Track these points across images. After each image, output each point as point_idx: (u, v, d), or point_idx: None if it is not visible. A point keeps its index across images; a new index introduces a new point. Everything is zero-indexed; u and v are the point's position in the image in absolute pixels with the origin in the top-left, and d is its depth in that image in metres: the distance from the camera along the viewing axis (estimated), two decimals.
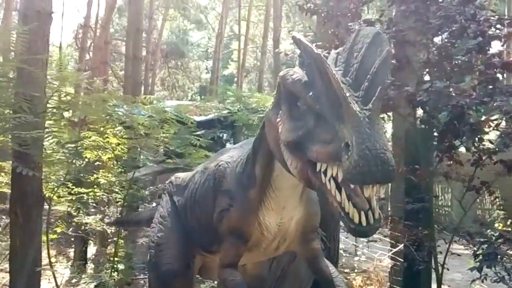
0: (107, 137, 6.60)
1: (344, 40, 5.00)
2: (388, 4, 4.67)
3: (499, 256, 3.86)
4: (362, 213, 1.85)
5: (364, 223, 1.84)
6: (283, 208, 2.78)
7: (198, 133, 8.30)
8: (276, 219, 2.81)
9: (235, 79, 47.92)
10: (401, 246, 7.32)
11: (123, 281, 7.35)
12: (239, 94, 11.04)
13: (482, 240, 3.98)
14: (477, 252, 4.03)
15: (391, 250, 7.15)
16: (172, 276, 3.37)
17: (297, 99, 2.05)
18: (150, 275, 3.58)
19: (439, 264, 4.66)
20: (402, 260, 6.60)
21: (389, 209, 7.57)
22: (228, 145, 11.43)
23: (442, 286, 4.78)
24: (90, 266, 8.80)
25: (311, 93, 1.94)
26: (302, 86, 1.99)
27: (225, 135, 12.02)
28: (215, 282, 5.83)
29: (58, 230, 7.97)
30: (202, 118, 10.24)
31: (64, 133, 6.02)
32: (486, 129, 4.43)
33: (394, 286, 7.15)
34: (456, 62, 4.49)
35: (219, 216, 2.90)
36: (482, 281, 4.13)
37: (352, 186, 1.82)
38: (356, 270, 8.21)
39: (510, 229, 4.18)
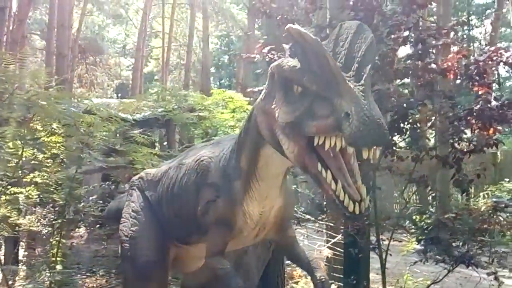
0: (49, 135, 6.46)
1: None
2: (339, 11, 5.03)
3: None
4: (356, 204, 2.17)
5: (357, 212, 2.18)
6: (265, 198, 3.03)
7: (135, 131, 8.27)
8: (259, 208, 3.05)
9: (156, 77, 47.35)
10: (339, 236, 7.81)
11: (62, 282, 7.20)
12: (175, 93, 11.04)
13: (424, 226, 4.43)
14: (419, 238, 4.49)
15: (328, 241, 7.56)
16: (149, 267, 3.52)
17: (292, 84, 2.31)
18: (126, 267, 3.68)
19: (383, 250, 5.09)
20: (341, 250, 7.07)
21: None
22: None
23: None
24: (21, 269, 8.49)
25: (308, 77, 2.21)
26: (298, 72, 2.26)
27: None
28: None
29: None
30: (138, 116, 10.15)
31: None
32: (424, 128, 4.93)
33: (334, 274, 7.61)
34: (398, 67, 4.93)
35: (205, 208, 3.09)
36: (424, 263, 4.60)
37: (351, 151, 2.16)
38: None
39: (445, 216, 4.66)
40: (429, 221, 4.88)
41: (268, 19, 5.65)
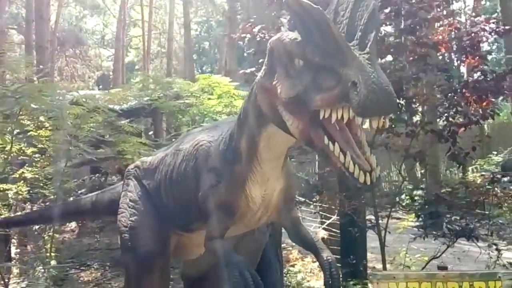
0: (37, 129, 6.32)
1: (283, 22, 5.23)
2: None
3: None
4: (367, 174, 2.09)
5: (368, 182, 2.09)
6: (267, 180, 2.95)
7: (122, 122, 8.15)
8: (261, 191, 2.98)
9: (136, 66, 46.85)
10: (334, 217, 7.82)
11: (57, 277, 7.13)
12: (161, 81, 10.88)
13: (423, 202, 4.43)
14: (418, 213, 4.48)
15: (323, 222, 7.57)
16: (150, 257, 3.47)
17: (293, 58, 2.23)
18: (127, 257, 3.60)
19: (381, 228, 5.09)
20: (336, 231, 7.07)
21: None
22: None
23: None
24: (15, 265, 8.39)
25: (309, 48, 2.12)
26: (299, 44, 2.17)
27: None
28: None
29: None
30: (124, 106, 10.00)
31: None
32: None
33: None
34: (390, 42, 4.88)
35: (207, 193, 3.01)
36: (424, 239, 4.61)
37: (359, 121, 2.05)
38: (294, 245, 8.56)
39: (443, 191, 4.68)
40: (425, 196, 4.87)
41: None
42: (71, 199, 8.20)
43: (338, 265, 6.98)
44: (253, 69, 5.25)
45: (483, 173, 7.90)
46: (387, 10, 4.59)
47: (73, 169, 8.45)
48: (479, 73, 4.42)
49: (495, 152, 12.29)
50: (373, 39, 2.10)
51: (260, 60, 5.48)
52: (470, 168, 12.59)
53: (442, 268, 3.34)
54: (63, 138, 6.72)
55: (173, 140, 10.75)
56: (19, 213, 6.77)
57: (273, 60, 2.38)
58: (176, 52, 31.09)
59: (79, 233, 11.37)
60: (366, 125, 2.07)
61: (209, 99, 10.52)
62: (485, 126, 12.93)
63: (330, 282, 2.95)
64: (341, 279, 3.11)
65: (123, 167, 10.43)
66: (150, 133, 12.27)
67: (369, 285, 6.35)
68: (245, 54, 35.80)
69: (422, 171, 12.49)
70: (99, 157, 7.77)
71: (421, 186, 6.17)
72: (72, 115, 6.56)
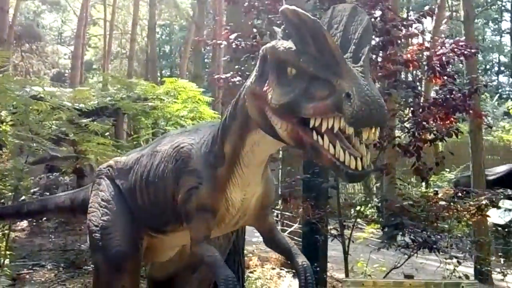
0: None
1: (261, 31, 5.32)
2: (303, 0, 5.06)
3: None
4: (358, 159, 2.11)
5: (360, 168, 2.11)
6: (248, 185, 3.00)
7: (84, 120, 8.00)
8: (241, 195, 3.02)
9: (94, 66, 45.96)
10: (295, 225, 7.94)
11: (9, 276, 6.90)
12: (126, 82, 10.74)
13: (389, 213, 4.58)
14: (385, 223, 4.63)
15: (284, 230, 7.67)
16: (122, 257, 3.43)
17: (286, 66, 2.27)
18: (98, 258, 3.55)
19: (345, 237, 5.21)
20: (298, 239, 7.18)
21: (279, 190, 8.10)
22: None
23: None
24: None
25: (303, 58, 2.16)
26: (294, 53, 2.21)
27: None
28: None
29: None
30: (84, 105, 9.78)
31: None
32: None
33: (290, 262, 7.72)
34: None
35: (187, 195, 3.01)
36: (387, 249, 4.76)
37: (351, 131, 2.08)
38: (254, 251, 8.62)
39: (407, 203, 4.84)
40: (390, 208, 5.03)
41: (232, 6, 5.58)
42: (28, 196, 7.99)
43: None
44: (228, 75, 5.29)
45: (436, 189, 8.21)
46: None
47: (31, 167, 8.24)
48: (446, 91, 4.61)
49: (447, 170, 12.76)
50: (366, 53, 2.17)
51: (236, 67, 5.55)
52: (423, 184, 13.07)
53: (409, 276, 3.45)
54: (25, 134, 6.54)
55: (135, 142, 10.67)
56: None
57: (265, 67, 2.42)
58: (137, 54, 30.68)
59: (30, 232, 11.03)
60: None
61: (175, 102, 10.45)
62: (439, 144, 13.48)
63: (305, 286, 2.99)
64: (315, 284, 3.14)
65: (83, 166, 10.26)
66: (107, 134, 12.08)
67: None
68: (206, 60, 35.90)
69: (378, 184, 12.85)
70: (60, 156, 7.61)
71: (386, 198, 6.33)
72: (35, 111, 6.41)
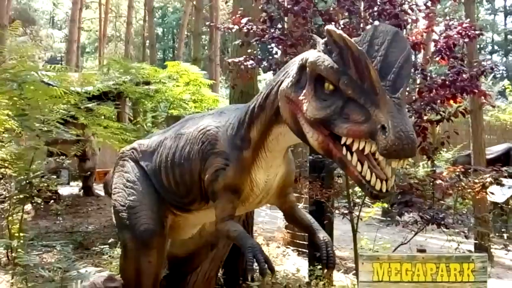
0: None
1: (271, 15, 5.42)
2: None
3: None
4: (384, 182, 2.28)
5: (384, 189, 2.29)
6: (270, 166, 3.19)
7: (89, 104, 8.08)
8: (264, 176, 3.21)
9: (87, 49, 45.59)
10: (301, 205, 8.09)
11: (20, 258, 7.05)
12: (128, 66, 10.78)
13: (398, 190, 4.75)
14: (394, 201, 4.80)
15: None
16: (150, 235, 3.60)
17: (324, 81, 2.39)
18: (126, 236, 3.71)
19: (354, 215, 5.40)
20: None
21: None
22: None
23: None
24: None
25: (343, 80, 2.28)
26: (335, 73, 2.32)
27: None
28: None
29: None
30: (89, 89, 9.86)
31: None
32: None
33: (297, 241, 7.93)
34: None
35: (214, 175, 3.18)
36: (396, 225, 4.95)
37: (381, 159, 2.24)
38: (257, 231, 8.81)
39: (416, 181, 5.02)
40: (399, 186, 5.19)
41: None
42: (38, 179, 8.08)
43: (304, 251, 7.33)
44: (241, 58, 5.40)
45: (434, 168, 8.40)
46: (370, 10, 4.86)
47: (37, 151, 8.33)
48: (454, 73, 4.74)
49: (445, 149, 12.96)
50: (405, 86, 2.29)
51: (249, 50, 5.67)
52: (421, 164, 13.27)
53: (421, 251, 3.63)
54: (36, 118, 6.63)
55: (138, 125, 10.76)
56: None
57: (302, 76, 2.55)
58: (132, 37, 30.50)
59: (35, 215, 11.17)
60: None
61: (177, 86, 10.53)
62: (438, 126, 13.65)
63: (326, 260, 3.16)
64: (336, 258, 3.32)
65: (87, 150, 10.36)
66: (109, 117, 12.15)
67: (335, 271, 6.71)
68: (203, 42, 35.71)
69: None
70: (69, 139, 7.71)
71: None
72: (46, 95, 6.48)
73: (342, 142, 2.31)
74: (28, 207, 11.44)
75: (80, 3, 25.35)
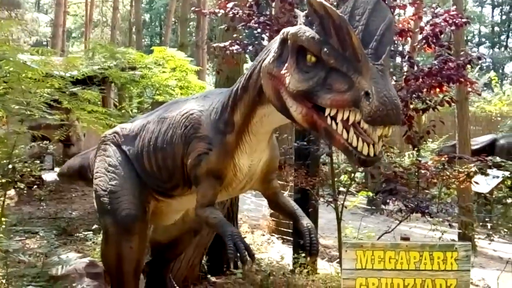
0: None
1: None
2: None
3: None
4: (371, 145, 2.23)
5: (372, 154, 2.24)
6: (254, 151, 3.14)
7: (74, 89, 7.96)
8: (248, 161, 3.16)
9: (73, 34, 45.05)
10: (286, 193, 8.10)
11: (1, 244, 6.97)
12: (113, 50, 10.65)
13: (383, 179, 4.75)
14: (378, 189, 4.80)
15: None
16: (132, 220, 3.55)
17: (306, 53, 2.34)
18: (107, 221, 3.65)
19: (338, 203, 5.40)
20: None
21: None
22: None
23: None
24: None
25: (325, 49, 2.23)
26: (316, 43, 2.27)
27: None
28: None
29: None
30: (74, 73, 9.72)
31: None
32: None
33: (281, 229, 7.93)
34: None
35: (197, 160, 3.13)
36: (380, 214, 4.95)
37: (365, 126, 2.17)
38: (243, 219, 8.80)
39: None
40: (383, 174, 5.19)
41: None
42: (21, 164, 7.97)
43: (288, 238, 7.33)
44: (227, 43, 5.33)
45: (419, 158, 8.43)
46: None
47: (20, 135, 8.21)
48: (440, 61, 4.72)
49: (430, 140, 13.02)
50: (387, 53, 2.25)
51: (234, 35, 5.59)
52: (406, 153, 13.33)
53: (405, 239, 3.63)
54: (16, 100, 6.51)
55: (123, 111, 10.66)
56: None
57: (284, 50, 2.49)
58: (119, 22, 30.16)
59: (19, 201, 11.05)
60: None
61: (164, 71, 10.44)
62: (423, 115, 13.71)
63: (309, 247, 3.14)
64: (319, 246, 3.30)
65: (72, 135, 10.24)
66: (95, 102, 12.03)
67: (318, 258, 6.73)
68: (187, 29, 35.46)
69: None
70: (52, 124, 7.59)
71: (378, 165, 6.50)
72: (29, 79, 6.36)
73: (326, 113, 2.27)
74: (11, 192, 11.32)
75: None
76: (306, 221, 3.26)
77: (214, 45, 5.64)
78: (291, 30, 2.44)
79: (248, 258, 2.82)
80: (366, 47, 2.22)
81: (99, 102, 11.78)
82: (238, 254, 2.80)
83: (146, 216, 3.64)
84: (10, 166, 6.91)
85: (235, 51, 5.25)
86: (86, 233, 7.39)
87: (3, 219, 6.70)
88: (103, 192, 3.66)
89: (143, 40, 41.47)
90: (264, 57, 2.68)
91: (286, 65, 2.45)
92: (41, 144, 9.38)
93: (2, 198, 6.76)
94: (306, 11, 2.44)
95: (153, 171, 3.53)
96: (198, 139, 3.15)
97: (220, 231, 2.99)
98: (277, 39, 2.59)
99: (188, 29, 35.46)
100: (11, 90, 6.43)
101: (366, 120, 2.09)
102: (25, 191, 9.80)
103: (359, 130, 2.26)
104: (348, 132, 2.25)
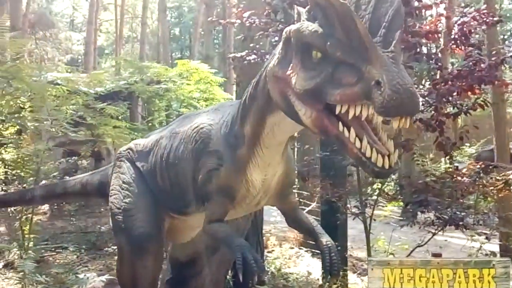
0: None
1: (275, 8, 5.19)
2: None
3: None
4: (385, 157, 2.04)
5: (386, 166, 2.04)
6: (268, 165, 2.94)
7: (100, 105, 8.00)
8: (261, 176, 2.97)
9: (106, 51, 46.01)
10: (313, 204, 7.88)
11: (33, 259, 6.99)
12: (139, 65, 10.70)
13: (412, 190, 4.48)
14: (408, 201, 4.53)
15: (303, 209, 7.60)
16: (146, 239, 3.43)
17: (310, 50, 2.16)
18: (121, 239, 3.57)
19: (366, 216, 5.14)
20: (316, 218, 7.09)
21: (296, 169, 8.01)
22: None
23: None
24: None
25: (331, 42, 2.05)
26: (320, 37, 2.10)
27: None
28: None
29: None
30: (101, 89, 9.81)
31: None
32: None
33: (309, 241, 7.70)
34: None
35: (207, 176, 2.98)
36: (411, 226, 4.67)
37: (379, 120, 2.01)
38: (271, 231, 8.61)
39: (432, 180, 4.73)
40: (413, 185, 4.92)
41: None
42: (44, 182, 8.04)
43: (317, 251, 7.08)
44: (243, 53, 5.18)
45: (457, 164, 8.05)
46: None
47: (49, 152, 8.30)
48: (470, 62, 4.44)
49: (467, 144, 12.56)
50: (398, 38, 2.06)
51: (251, 45, 5.44)
52: (442, 159, 12.87)
53: (436, 255, 3.37)
54: (44, 119, 6.56)
55: (150, 124, 10.69)
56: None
57: (288, 49, 2.33)
58: (148, 37, 30.61)
59: (51, 216, 11.20)
60: None
61: (188, 84, 10.41)
62: (459, 118, 13.24)
63: (329, 267, 2.93)
64: (340, 264, 3.09)
65: (100, 150, 10.31)
66: (122, 117, 12.14)
67: (348, 272, 6.47)
68: (216, 41, 35.70)
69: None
70: (78, 140, 7.64)
71: (408, 175, 6.24)
72: (52, 96, 6.40)
73: (337, 111, 2.07)
74: (46, 207, 11.50)
75: (96, 4, 25.51)
76: (325, 239, 3.06)
77: (231, 55, 5.50)
78: (293, 27, 2.28)
79: (258, 271, 2.67)
80: (375, 35, 2.05)
81: (125, 117, 11.90)
82: (246, 266, 2.65)
83: (161, 234, 3.52)
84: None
85: (252, 61, 5.09)
86: (115, 247, 7.32)
87: (31, 235, 6.75)
88: (117, 210, 3.56)
89: (173, 54, 42.15)
90: (269, 61, 2.52)
91: (291, 65, 2.28)
92: (69, 160, 9.45)
93: (30, 215, 6.81)
94: (307, 7, 2.27)
95: (166, 188, 3.41)
96: (208, 154, 3.00)
97: (228, 244, 2.86)
98: (281, 41, 2.43)
99: (217, 41, 35.84)
100: (36, 108, 6.48)
101: (379, 111, 1.88)
102: (55, 206, 9.91)
103: (373, 138, 2.11)
104: (361, 141, 2.06)
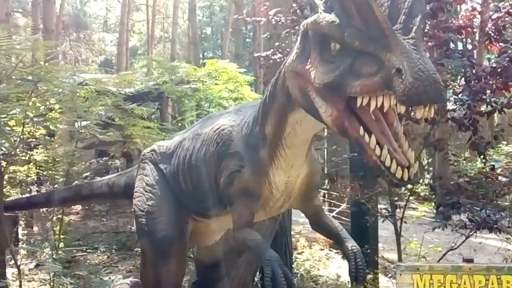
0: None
1: (301, 5, 5.09)
2: None
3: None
4: (405, 169, 1.97)
5: (405, 178, 1.97)
6: (291, 166, 2.85)
7: (130, 105, 8.05)
8: (284, 177, 2.89)
9: (139, 51, 46.66)
10: (343, 205, 7.75)
11: (64, 259, 7.10)
12: (168, 66, 10.74)
13: (444, 191, 4.32)
14: (440, 202, 4.37)
15: (332, 211, 7.50)
16: (169, 242, 3.39)
17: (329, 42, 2.09)
18: (144, 243, 3.55)
19: (397, 218, 4.99)
20: (346, 219, 6.98)
21: (325, 170, 7.91)
22: None
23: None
24: (23, 247, 8.37)
25: (347, 33, 1.98)
26: (338, 27, 2.03)
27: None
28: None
29: None
30: (131, 90, 9.88)
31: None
32: None
33: None
34: None
35: (229, 178, 2.91)
36: (443, 229, 4.51)
37: (403, 110, 1.91)
38: (301, 232, 8.52)
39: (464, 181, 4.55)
40: (445, 186, 4.75)
41: None
42: (76, 182, 8.16)
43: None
44: (269, 52, 5.11)
45: (493, 163, 7.78)
46: None
47: (80, 152, 8.41)
48: (505, 58, 4.25)
49: (504, 142, 12.16)
50: (418, 24, 1.97)
51: (276, 44, 5.36)
52: (478, 158, 12.50)
53: (468, 260, 3.23)
54: (73, 120, 6.63)
55: (180, 124, 10.73)
56: (27, 195, 6.67)
57: (306, 43, 2.27)
58: (179, 37, 30.84)
59: (84, 216, 11.38)
60: None
61: (216, 84, 10.38)
62: (495, 116, 12.83)
63: (355, 272, 2.84)
64: (366, 270, 2.98)
65: (130, 151, 10.40)
66: (153, 117, 12.21)
67: (380, 274, 6.32)
68: (247, 40, 35.68)
69: (430, 160, 12.36)
70: (108, 140, 7.70)
71: (440, 175, 6.03)
72: (82, 97, 6.46)
73: (358, 104, 1.99)
74: (78, 207, 11.70)
75: (129, 5, 25.84)
76: (351, 244, 2.96)
77: (256, 55, 5.43)
78: (309, 19, 2.21)
79: (286, 286, 2.56)
80: (395, 23, 1.98)
81: (155, 117, 11.98)
82: (275, 283, 2.56)
83: (184, 237, 3.47)
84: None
85: (278, 60, 5.01)
86: None
87: (62, 236, 6.85)
88: (141, 213, 3.53)
89: (205, 53, 42.40)
90: (288, 57, 2.45)
91: (309, 59, 2.21)
92: (100, 160, 9.56)
93: (60, 216, 6.91)
94: None
95: (189, 190, 3.36)
96: (230, 156, 2.94)
97: (258, 255, 2.78)
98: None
99: (248, 40, 35.82)
100: (65, 109, 6.56)
101: (401, 100, 1.81)
102: (86, 207, 10.06)
103: (393, 146, 2.04)
104: (381, 149, 1.99)
